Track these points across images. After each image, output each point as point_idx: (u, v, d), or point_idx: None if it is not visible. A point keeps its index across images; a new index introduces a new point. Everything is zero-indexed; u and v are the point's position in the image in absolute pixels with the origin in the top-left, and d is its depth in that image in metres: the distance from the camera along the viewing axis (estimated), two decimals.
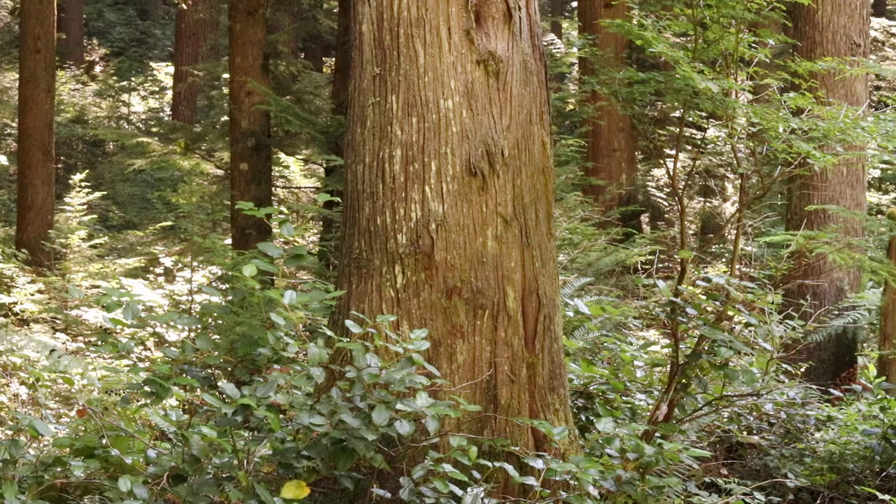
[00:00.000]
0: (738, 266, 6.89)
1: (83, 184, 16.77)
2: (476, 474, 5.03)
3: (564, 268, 10.76)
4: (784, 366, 7.70)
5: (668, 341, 7.61)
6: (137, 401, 5.59)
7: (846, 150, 6.93)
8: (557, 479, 5.24)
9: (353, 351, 5.03)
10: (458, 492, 4.88)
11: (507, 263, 5.46)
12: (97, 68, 28.50)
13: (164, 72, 28.25)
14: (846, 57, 9.70)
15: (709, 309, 6.22)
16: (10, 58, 23.76)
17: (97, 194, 17.47)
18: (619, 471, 5.40)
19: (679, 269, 6.47)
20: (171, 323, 6.82)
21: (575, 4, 25.36)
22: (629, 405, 6.61)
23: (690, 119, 7.09)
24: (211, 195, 17.30)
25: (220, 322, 8.01)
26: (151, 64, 28.96)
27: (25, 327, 12.81)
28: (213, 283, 11.82)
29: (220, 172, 16.97)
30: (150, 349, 11.29)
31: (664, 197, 18.10)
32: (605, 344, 7.70)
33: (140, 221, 20.31)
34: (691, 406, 6.34)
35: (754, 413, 7.36)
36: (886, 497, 6.25)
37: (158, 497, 4.83)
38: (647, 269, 11.56)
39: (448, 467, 4.89)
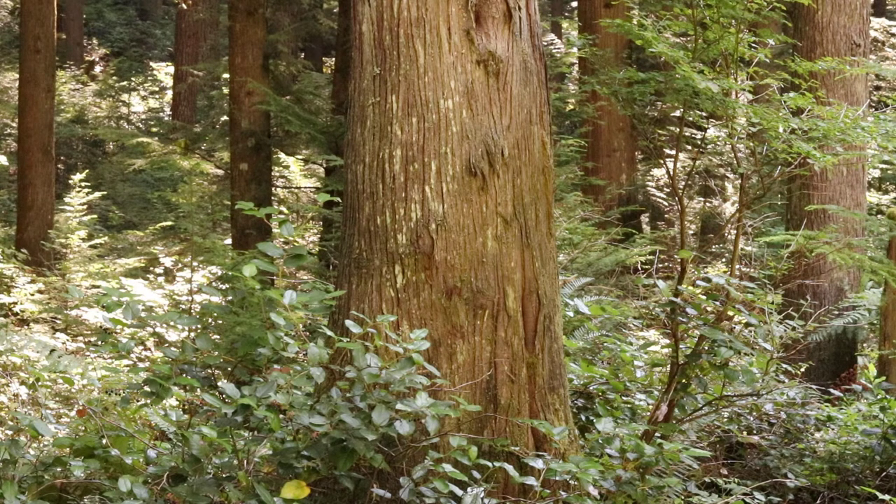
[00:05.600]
0: (738, 266, 6.89)
1: (83, 184, 16.77)
2: (476, 474, 5.03)
3: (564, 268, 10.76)
4: (784, 366, 7.70)
5: (668, 341, 7.60)
6: (137, 401, 5.60)
7: (846, 150, 6.93)
8: (557, 479, 5.24)
9: (353, 351, 5.03)
10: (458, 492, 4.88)
11: (507, 263, 5.46)
12: (97, 68, 28.50)
13: (164, 72, 28.25)
14: (846, 57, 9.70)
15: (709, 309, 6.22)
16: (10, 58, 23.76)
17: (97, 194, 17.46)
18: (619, 471, 5.40)
19: (679, 269, 6.47)
20: (171, 323, 6.82)
21: (575, 4, 25.35)
22: (629, 405, 6.61)
23: (690, 119, 7.09)
24: (211, 195, 17.29)
25: (220, 322, 8.00)
26: (151, 64, 28.96)
27: (25, 327, 12.81)
28: (213, 283, 11.82)
29: (220, 172, 16.97)
30: (150, 349, 11.29)
31: (664, 197, 18.10)
32: (605, 344, 7.69)
33: (140, 221, 20.31)
34: (691, 406, 6.34)
35: (754, 413, 7.36)
36: (886, 497, 6.25)
37: (158, 497, 4.83)
38: (647, 269, 11.56)
39: (448, 467, 4.90)
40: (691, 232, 17.90)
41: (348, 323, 5.15)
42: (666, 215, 18.35)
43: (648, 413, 6.44)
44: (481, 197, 5.43)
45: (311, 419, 4.87)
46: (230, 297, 5.55)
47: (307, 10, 15.05)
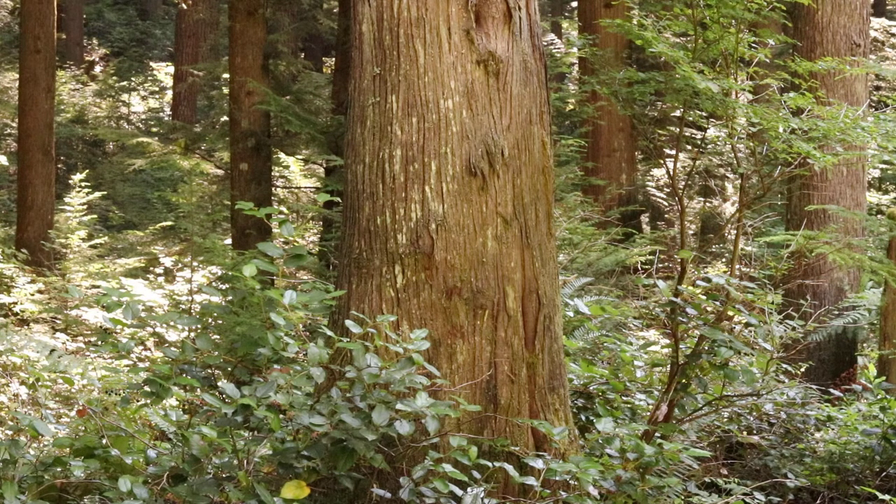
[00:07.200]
0: (738, 266, 6.89)
1: (83, 184, 16.77)
2: (476, 474, 5.03)
3: (564, 268, 10.76)
4: (784, 366, 7.70)
5: (668, 341, 7.60)
6: (137, 401, 5.60)
7: (846, 150, 6.93)
8: (557, 479, 5.24)
9: (353, 351, 5.03)
10: (458, 492, 4.88)
11: (507, 263, 5.46)
12: (97, 68, 28.50)
13: (164, 72, 28.26)
14: (846, 57, 9.70)
15: (709, 309, 6.22)
16: (10, 58, 23.76)
17: (97, 194, 17.47)
18: (619, 471, 5.40)
19: (679, 269, 6.47)
20: (171, 323, 6.82)
21: (575, 4, 25.36)
22: (629, 405, 6.61)
23: (690, 119, 7.09)
24: (211, 195, 17.30)
25: (220, 322, 8.01)
26: (151, 64, 28.96)
27: (25, 327, 12.81)
28: (213, 283, 11.82)
29: (220, 172, 16.97)
30: (150, 349, 11.29)
31: (664, 197, 18.10)
32: (605, 344, 7.69)
33: (140, 221, 20.31)
34: (691, 406, 6.34)
35: (754, 413, 7.36)
36: (886, 497, 6.26)
37: (158, 497, 4.83)
38: (647, 269, 11.56)
39: (448, 467, 4.90)
40: (691, 232, 17.91)
41: (348, 323, 5.15)
42: (666, 215, 18.35)
43: (648, 413, 6.44)
44: (481, 197, 5.43)
45: (311, 419, 4.87)
46: (230, 297, 5.54)
47: (307, 10, 15.05)
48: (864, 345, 10.46)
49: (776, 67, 7.30)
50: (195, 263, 13.57)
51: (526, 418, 5.43)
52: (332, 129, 12.53)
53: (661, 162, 10.71)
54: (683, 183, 14.47)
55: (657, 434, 5.93)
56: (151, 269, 15.61)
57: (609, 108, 15.12)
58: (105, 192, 19.31)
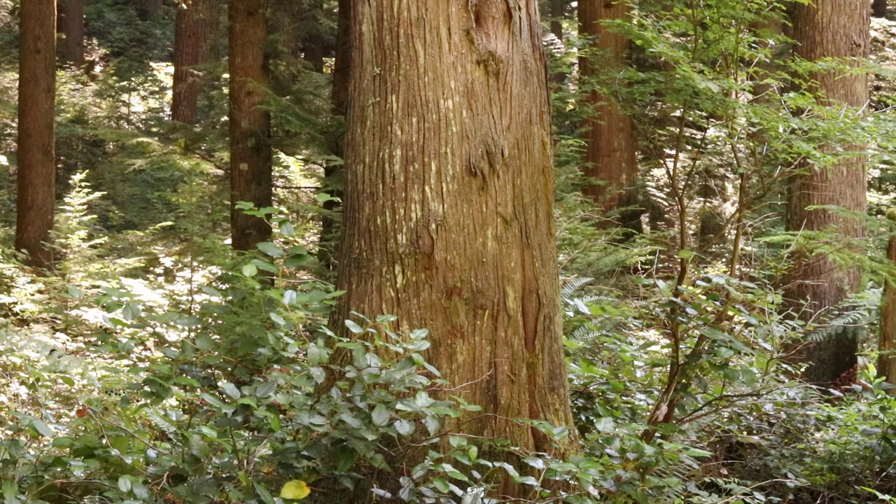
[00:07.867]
0: (738, 266, 6.89)
1: (83, 184, 16.78)
2: (476, 474, 5.03)
3: (564, 268, 10.76)
4: (784, 366, 7.70)
5: (668, 341, 7.60)
6: (137, 401, 5.59)
7: (846, 150, 6.93)
8: (557, 479, 5.24)
9: (353, 351, 5.03)
10: (458, 492, 4.88)
11: (507, 263, 5.46)
12: (97, 68, 28.49)
13: (164, 72, 28.26)
14: (846, 57, 9.70)
15: (709, 309, 6.22)
16: (10, 58, 23.76)
17: (97, 194, 17.47)
18: (619, 471, 5.40)
19: (679, 269, 6.47)
20: (171, 323, 6.82)
21: (575, 4, 25.36)
22: (629, 405, 6.61)
23: (690, 119, 7.09)
24: (211, 195, 17.30)
25: (220, 322, 8.01)
26: (151, 64, 28.96)
27: (25, 327, 12.81)
28: (213, 283, 11.82)
29: (220, 172, 16.97)
30: (150, 349, 11.29)
31: (664, 197, 18.10)
32: (605, 344, 7.69)
33: (140, 221, 20.31)
34: (691, 406, 6.34)
35: (754, 413, 7.36)
36: (886, 497, 6.26)
37: (158, 497, 4.83)
38: (647, 269, 11.55)
39: (448, 467, 4.90)
40: (691, 232, 17.91)
41: (348, 323, 5.15)
42: (666, 215, 18.35)
43: (648, 413, 6.44)
44: (481, 197, 5.44)
45: (311, 419, 4.87)
46: (230, 297, 5.54)
47: (307, 10, 15.05)
48: (864, 345, 10.46)
49: (776, 67, 7.30)
50: (195, 263, 13.57)
51: (526, 418, 5.43)
52: (332, 129, 12.53)
53: (661, 162, 10.72)
54: (683, 183, 14.47)
55: (657, 434, 5.93)
56: (151, 269, 15.62)
57: (609, 108, 15.13)
58: (105, 192, 19.31)
